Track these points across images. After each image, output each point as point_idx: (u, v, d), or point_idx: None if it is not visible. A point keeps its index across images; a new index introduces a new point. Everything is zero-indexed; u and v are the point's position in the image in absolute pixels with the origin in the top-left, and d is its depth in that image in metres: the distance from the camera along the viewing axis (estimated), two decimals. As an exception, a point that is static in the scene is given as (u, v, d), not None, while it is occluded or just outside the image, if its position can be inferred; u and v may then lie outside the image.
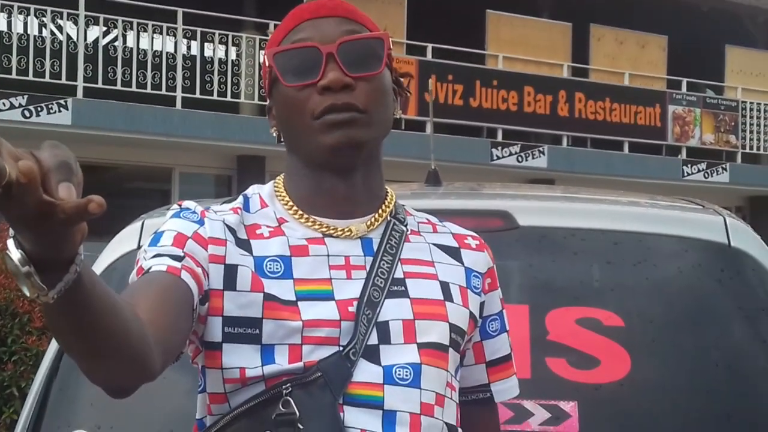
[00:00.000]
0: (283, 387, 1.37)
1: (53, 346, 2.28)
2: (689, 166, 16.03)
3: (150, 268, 1.36)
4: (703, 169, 16.08)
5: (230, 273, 1.43)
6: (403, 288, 1.44)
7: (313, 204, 1.48)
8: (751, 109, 16.83)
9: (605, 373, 2.02)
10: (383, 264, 1.45)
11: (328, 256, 1.45)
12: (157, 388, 2.14)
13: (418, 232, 1.54)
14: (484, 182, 3.89)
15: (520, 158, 14.66)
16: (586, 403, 1.99)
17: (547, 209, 2.36)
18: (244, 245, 1.47)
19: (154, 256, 1.39)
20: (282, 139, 1.55)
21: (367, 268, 1.44)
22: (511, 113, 14.85)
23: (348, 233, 1.46)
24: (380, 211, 1.49)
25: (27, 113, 11.66)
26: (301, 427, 1.35)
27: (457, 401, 1.48)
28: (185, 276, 1.36)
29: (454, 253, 1.52)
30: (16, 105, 11.62)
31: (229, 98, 13.22)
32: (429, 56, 14.57)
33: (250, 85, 13.40)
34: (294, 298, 1.42)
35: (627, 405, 2.04)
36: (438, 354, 1.43)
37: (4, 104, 11.56)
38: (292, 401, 1.36)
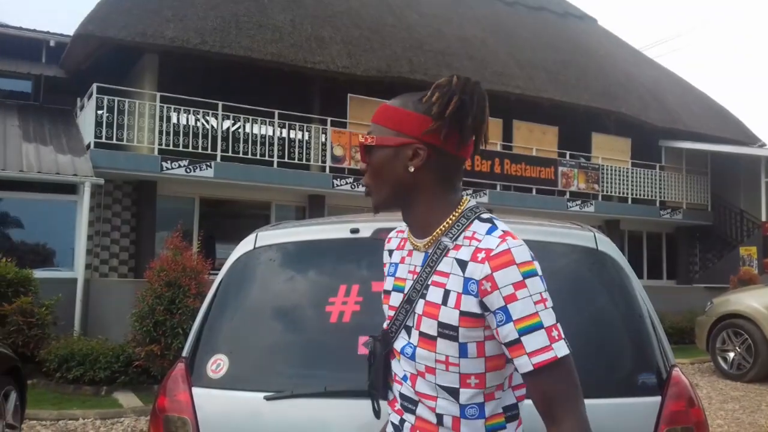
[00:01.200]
0: (370, 339, 1.46)
1: (204, 306, 2.24)
2: (571, 202, 15.96)
3: None
4: (579, 204, 16.00)
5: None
6: (426, 292, 1.35)
7: (410, 228, 1.45)
8: (606, 170, 16.76)
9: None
10: (423, 274, 1.36)
11: (408, 265, 1.43)
12: (276, 331, 2.11)
13: (460, 246, 1.34)
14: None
15: (472, 197, 14.57)
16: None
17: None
18: (391, 254, 1.52)
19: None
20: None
21: (417, 275, 1.40)
22: (468, 171, 14.80)
23: (417, 247, 1.41)
24: (433, 235, 1.37)
25: (188, 170, 11.69)
26: (372, 360, 1.46)
27: (461, 373, 1.31)
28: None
29: (463, 265, 1.31)
30: (182, 165, 11.65)
31: (303, 161, 13.23)
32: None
33: (316, 155, 13.39)
34: (391, 288, 1.46)
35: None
36: (427, 341, 1.33)
37: (173, 165, 11.58)
38: (371, 346, 1.46)
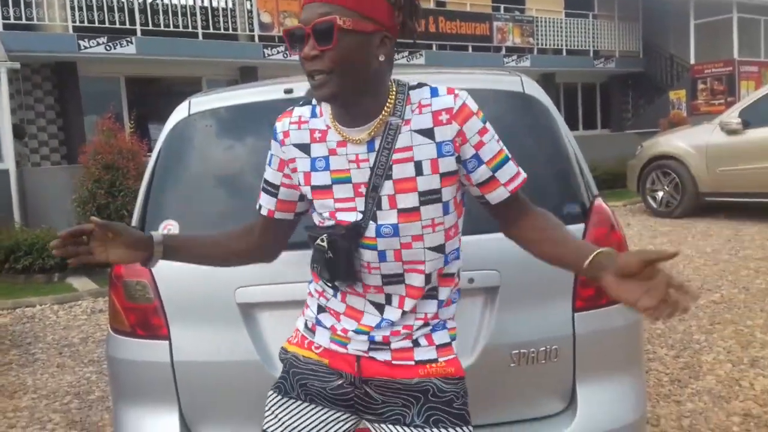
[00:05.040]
0: (323, 236, 1.40)
1: (146, 175, 2.25)
2: (507, 58, 15.96)
3: (260, 208, 1.56)
4: (515, 59, 16.02)
5: (301, 176, 1.45)
6: (391, 172, 1.36)
7: (339, 119, 1.39)
8: (540, 22, 16.69)
9: (459, 167, 2.07)
10: (381, 158, 1.36)
11: (347, 155, 1.39)
12: (220, 195, 2.16)
13: (409, 120, 1.36)
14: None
15: (408, 59, 14.44)
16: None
17: (421, 80, 2.33)
18: (305, 149, 1.44)
19: (263, 188, 1.54)
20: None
21: (371, 162, 1.37)
22: (402, 32, 14.54)
23: (359, 140, 1.37)
24: (379, 120, 1.36)
25: (108, 48, 11.18)
26: (331, 256, 1.40)
27: (446, 229, 1.41)
28: (278, 215, 1.54)
29: (428, 133, 1.35)
30: (101, 43, 11.13)
31: (230, 31, 12.73)
32: None
33: (242, 23, 12.88)
34: (330, 183, 1.41)
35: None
36: (409, 214, 1.37)
37: (92, 43, 11.05)
38: (327, 243, 1.40)
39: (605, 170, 12.82)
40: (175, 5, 12.18)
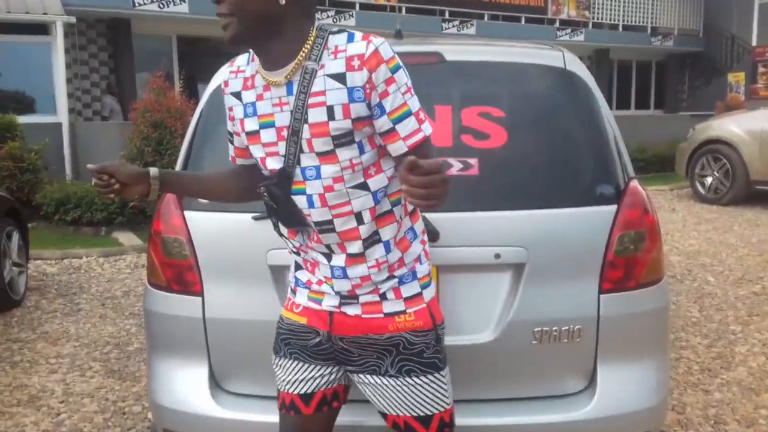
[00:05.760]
0: (261, 187, 1.50)
1: (188, 135, 2.31)
2: (560, 31, 15.60)
3: (231, 156, 1.66)
4: (568, 33, 15.66)
5: (238, 123, 1.54)
6: (307, 116, 1.40)
7: (262, 64, 1.45)
8: (599, -5, 16.31)
9: (492, 142, 2.06)
10: (298, 102, 1.40)
11: (271, 98, 1.45)
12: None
13: (324, 65, 1.39)
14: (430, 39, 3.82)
15: (459, 29, 14.24)
16: (482, 159, 2.04)
17: (463, 50, 2.31)
18: (239, 96, 1.51)
19: (228, 137, 1.64)
20: None
21: (290, 105, 1.42)
22: (454, 0, 14.32)
23: (277, 83, 1.42)
24: (296, 63, 1.40)
25: (161, 5, 11.30)
26: (275, 206, 1.49)
27: (364, 168, 1.43)
28: (239, 161, 1.65)
29: (340, 78, 1.37)
30: (155, 0, 11.25)
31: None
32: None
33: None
34: (257, 128, 1.48)
35: (504, 159, 2.07)
36: (327, 156, 1.41)
37: (146, 0, 11.17)
38: (266, 194, 1.49)
39: (655, 152, 12.52)
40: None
